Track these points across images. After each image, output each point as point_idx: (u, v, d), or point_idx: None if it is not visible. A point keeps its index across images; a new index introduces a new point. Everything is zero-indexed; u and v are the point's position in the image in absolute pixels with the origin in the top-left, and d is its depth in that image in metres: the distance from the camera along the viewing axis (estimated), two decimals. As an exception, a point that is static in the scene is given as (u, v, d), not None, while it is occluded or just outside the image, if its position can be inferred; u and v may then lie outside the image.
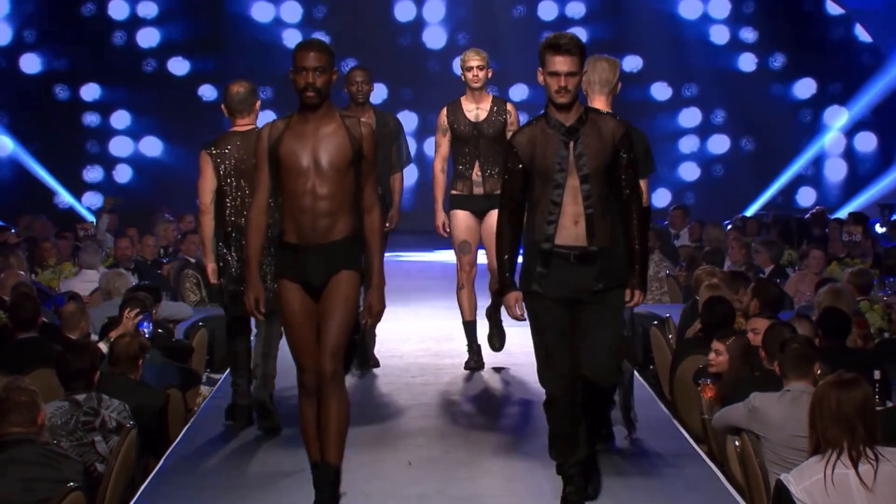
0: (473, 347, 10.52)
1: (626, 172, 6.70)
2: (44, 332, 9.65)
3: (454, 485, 7.65)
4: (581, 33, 21.31)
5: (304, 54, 6.75)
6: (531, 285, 6.73)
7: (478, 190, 10.16)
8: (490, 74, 10.21)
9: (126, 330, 9.14)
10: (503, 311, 9.98)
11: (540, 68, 6.67)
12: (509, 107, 10.23)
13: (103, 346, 9.10)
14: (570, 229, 6.64)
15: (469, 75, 10.16)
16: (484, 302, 10.46)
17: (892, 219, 18.03)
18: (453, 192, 10.27)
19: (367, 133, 6.82)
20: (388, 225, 10.22)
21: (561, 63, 6.59)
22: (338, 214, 6.76)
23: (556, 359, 6.73)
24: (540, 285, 6.69)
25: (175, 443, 8.32)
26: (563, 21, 21.75)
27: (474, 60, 10.15)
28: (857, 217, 17.17)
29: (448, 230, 10.33)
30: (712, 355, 8.33)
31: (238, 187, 8.68)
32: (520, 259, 6.92)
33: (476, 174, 10.16)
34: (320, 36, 20.19)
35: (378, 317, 7.04)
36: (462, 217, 10.24)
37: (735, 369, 8.15)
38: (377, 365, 10.59)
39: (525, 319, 6.82)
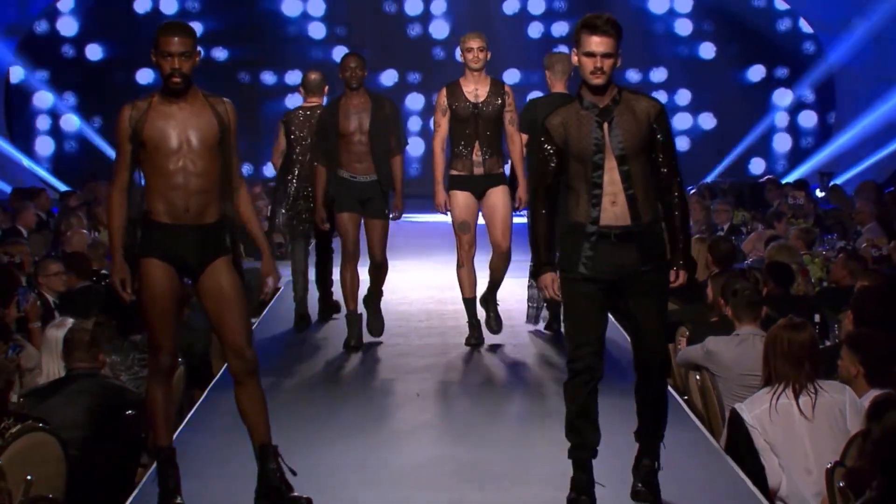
0: (473, 323, 9.40)
1: (662, 151, 5.74)
2: (105, 282, 9.67)
3: (456, 412, 7.69)
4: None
5: (167, 39, 5.72)
6: (577, 267, 5.71)
7: (478, 170, 9.15)
8: (489, 56, 9.22)
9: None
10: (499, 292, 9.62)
11: (574, 49, 5.72)
12: (507, 88, 9.24)
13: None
14: (609, 209, 5.67)
15: (469, 56, 9.15)
16: (483, 277, 9.40)
17: (830, 185, 18.05)
18: (453, 172, 9.21)
19: (231, 110, 5.87)
20: (393, 214, 9.42)
21: (597, 43, 5.62)
22: (210, 193, 5.77)
23: (586, 335, 5.74)
24: (587, 268, 5.70)
25: (217, 377, 8.34)
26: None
27: (474, 42, 9.16)
28: (800, 183, 17.22)
29: (449, 209, 9.25)
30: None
31: (301, 140, 10.00)
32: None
33: (476, 154, 9.13)
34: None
35: (276, 281, 6.19)
36: (462, 197, 9.19)
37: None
38: (360, 345, 9.32)
39: (560, 298, 5.86)
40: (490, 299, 9.45)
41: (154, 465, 6.02)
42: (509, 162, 9.51)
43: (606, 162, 5.65)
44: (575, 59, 5.72)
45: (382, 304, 9.61)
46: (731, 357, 7.03)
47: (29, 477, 5.16)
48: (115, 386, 6.67)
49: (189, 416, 7.43)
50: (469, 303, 9.38)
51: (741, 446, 6.11)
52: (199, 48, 5.83)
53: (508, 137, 9.25)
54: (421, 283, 12.28)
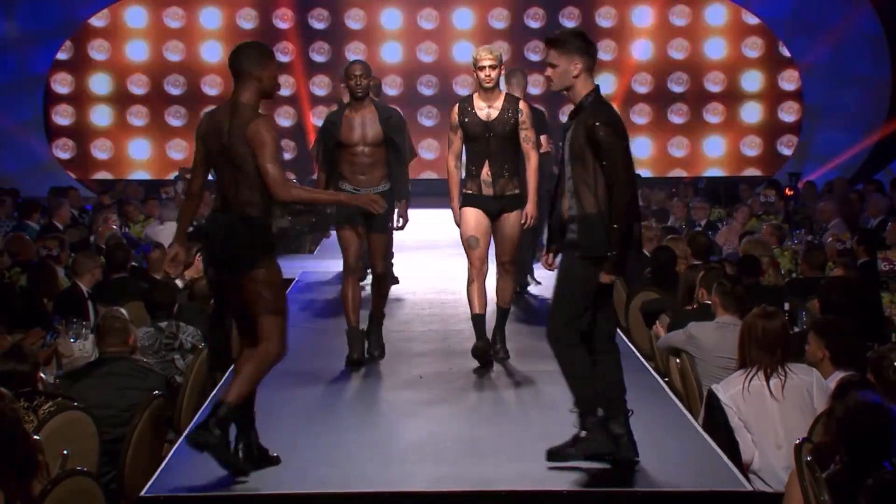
0: (481, 339, 8.30)
1: (603, 157, 5.78)
2: (134, 273, 9.69)
3: (456, 393, 7.68)
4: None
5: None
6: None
7: (487, 191, 8.11)
8: (502, 73, 8.28)
9: (197, 269, 9.23)
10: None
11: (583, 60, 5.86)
12: (521, 105, 8.16)
13: (179, 282, 9.16)
14: (567, 201, 5.90)
15: (481, 74, 8.04)
16: (490, 299, 8.42)
17: (803, 182, 18.04)
18: (465, 190, 8.19)
19: None
20: (398, 223, 8.55)
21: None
22: None
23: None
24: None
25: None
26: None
27: (486, 60, 8.03)
28: (772, 183, 17.26)
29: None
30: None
31: None
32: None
33: (486, 174, 8.10)
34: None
35: None
36: (471, 213, 8.16)
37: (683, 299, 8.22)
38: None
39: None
40: (499, 334, 8.50)
41: (182, 437, 6.05)
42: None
43: (565, 163, 5.90)
44: (575, 69, 5.86)
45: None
46: (711, 341, 7.04)
47: (65, 451, 5.17)
48: (143, 368, 6.67)
49: (212, 395, 7.43)
50: (477, 319, 8.27)
51: (717, 424, 6.11)
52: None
53: (524, 154, 8.18)
54: (425, 275, 12.28)
